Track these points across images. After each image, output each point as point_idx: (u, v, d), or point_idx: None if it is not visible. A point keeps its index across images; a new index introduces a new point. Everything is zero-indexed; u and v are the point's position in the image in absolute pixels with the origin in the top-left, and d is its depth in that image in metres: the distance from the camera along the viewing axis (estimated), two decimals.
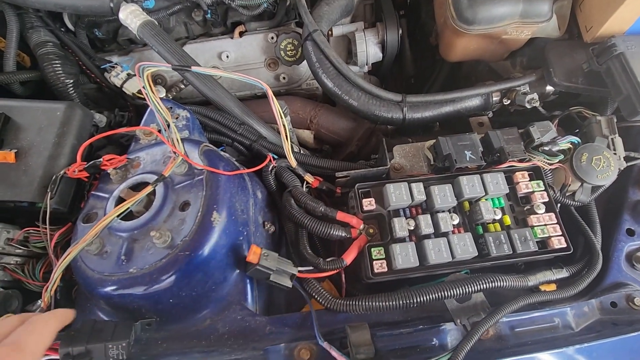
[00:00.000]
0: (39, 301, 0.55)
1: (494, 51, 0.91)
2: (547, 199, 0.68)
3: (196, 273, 0.57)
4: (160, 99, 0.67)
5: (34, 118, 0.69)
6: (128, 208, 0.56)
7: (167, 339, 0.58)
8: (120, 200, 0.60)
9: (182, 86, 1.04)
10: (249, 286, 0.63)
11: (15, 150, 0.65)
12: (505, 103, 0.87)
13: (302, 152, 0.93)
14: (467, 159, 0.70)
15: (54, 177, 0.63)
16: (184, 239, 0.56)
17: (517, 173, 0.70)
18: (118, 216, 0.57)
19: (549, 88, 0.86)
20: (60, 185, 0.64)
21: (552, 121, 0.76)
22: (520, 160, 0.71)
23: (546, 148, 0.72)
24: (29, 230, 0.62)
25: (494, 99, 0.88)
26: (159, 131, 0.71)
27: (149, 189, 0.58)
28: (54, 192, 0.62)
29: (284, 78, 1.05)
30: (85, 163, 0.66)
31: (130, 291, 0.55)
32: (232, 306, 0.61)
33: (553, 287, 0.66)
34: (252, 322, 0.58)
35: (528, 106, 0.82)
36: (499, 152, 0.72)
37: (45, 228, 0.61)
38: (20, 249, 0.61)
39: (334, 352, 0.53)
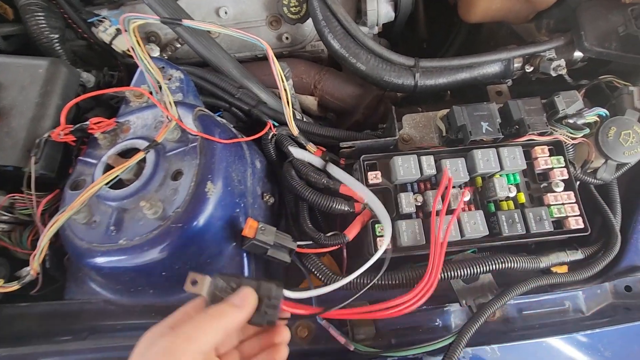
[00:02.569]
0: (28, 268, 0.53)
1: (519, 11, 0.82)
2: (567, 177, 0.63)
3: (189, 246, 0.54)
4: (152, 58, 0.61)
5: (15, 75, 0.63)
6: (117, 176, 0.52)
7: (160, 312, 0.56)
8: (108, 167, 0.56)
9: (178, 45, 0.96)
10: (245, 260, 0.60)
11: None
12: (527, 70, 0.80)
13: (304, 119, 0.87)
14: (484, 131, 0.64)
15: (37, 141, 0.59)
16: (176, 210, 0.53)
17: (536, 147, 0.65)
18: (107, 184, 0.53)
19: (577, 54, 0.79)
20: (45, 150, 0.60)
21: (578, 91, 0.70)
22: (541, 134, 0.65)
23: (570, 121, 0.66)
24: (14, 196, 0.58)
25: (515, 65, 0.80)
26: (151, 93, 0.65)
27: (140, 155, 0.54)
28: (38, 157, 0.58)
29: (286, 38, 0.97)
30: (72, 126, 0.61)
31: (121, 263, 0.52)
32: None
33: (564, 269, 0.63)
34: None
35: (553, 74, 0.75)
36: (519, 124, 0.66)
37: (31, 194, 0.57)
38: (5, 215, 0.58)
39: (333, 331, 0.51)
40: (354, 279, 0.54)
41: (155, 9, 0.72)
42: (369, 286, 0.54)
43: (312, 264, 0.60)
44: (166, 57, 0.95)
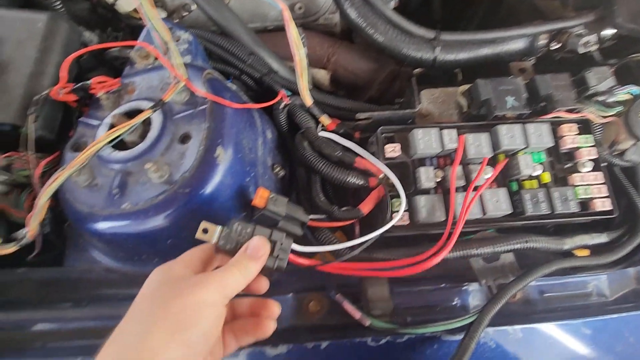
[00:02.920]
0: (25, 230, 0.50)
1: None
2: (594, 156, 0.60)
3: (197, 213, 0.50)
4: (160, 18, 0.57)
5: (11, 29, 0.59)
6: (121, 134, 0.49)
7: None
8: (112, 128, 0.53)
9: (185, 13, 0.91)
10: None
11: None
12: (553, 47, 0.76)
13: (316, 90, 0.83)
14: (509, 106, 0.61)
15: (35, 98, 0.55)
16: (183, 174, 0.49)
17: (563, 125, 0.62)
18: (110, 143, 0.50)
19: (607, 32, 0.74)
20: (45, 109, 0.57)
21: None
22: (569, 111, 0.62)
23: (601, 98, 0.62)
24: (11, 156, 0.55)
25: (541, 42, 0.76)
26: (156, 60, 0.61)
27: (146, 113, 0.50)
28: (37, 115, 0.54)
29: (300, 8, 0.92)
30: (73, 85, 0.57)
31: (124, 229, 0.50)
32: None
33: (586, 252, 0.60)
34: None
35: (581, 50, 0.71)
36: (546, 99, 0.63)
37: (29, 155, 0.54)
38: (3, 175, 0.55)
39: (347, 305, 0.48)
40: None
41: None
42: (370, 242, 0.52)
43: (325, 238, 0.57)
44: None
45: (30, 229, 0.47)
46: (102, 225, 0.50)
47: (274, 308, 0.44)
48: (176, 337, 0.34)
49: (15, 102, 0.55)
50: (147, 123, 0.55)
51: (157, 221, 0.49)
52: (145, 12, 0.56)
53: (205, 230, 0.43)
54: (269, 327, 0.43)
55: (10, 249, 0.48)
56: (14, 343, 0.47)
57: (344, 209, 0.60)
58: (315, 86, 0.93)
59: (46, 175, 0.57)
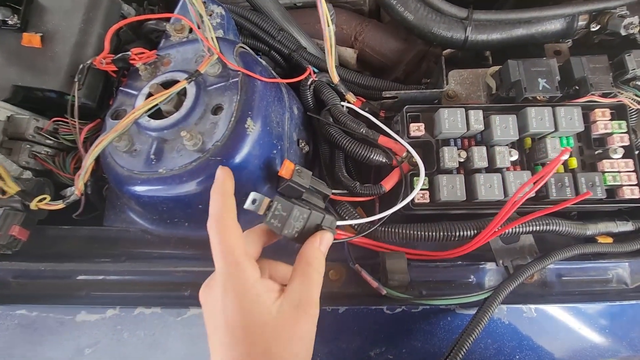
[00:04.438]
0: (72, 188, 0.54)
1: None
2: (627, 143, 0.59)
3: None
4: None
5: (58, 0, 0.62)
6: (158, 103, 0.52)
7: (193, 245, 0.57)
8: (149, 97, 0.56)
9: None
10: None
11: (41, 34, 0.60)
12: (592, 29, 0.73)
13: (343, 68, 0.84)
14: (540, 88, 0.60)
15: (81, 67, 0.58)
16: (215, 143, 0.52)
17: (596, 110, 0.60)
18: (148, 112, 0.53)
19: None
20: (88, 78, 0.60)
21: None
22: (604, 95, 0.60)
23: (639, 83, 0.60)
24: (58, 121, 0.59)
25: (580, 23, 0.73)
26: (191, 32, 0.63)
27: (182, 84, 0.53)
28: (81, 83, 0.58)
29: None
30: (113, 55, 0.60)
31: (159, 192, 0.53)
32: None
33: (609, 240, 0.60)
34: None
35: (623, 32, 0.68)
36: (580, 83, 0.61)
37: (75, 121, 0.58)
38: (50, 139, 0.59)
39: (365, 275, 0.50)
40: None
41: None
42: (389, 215, 0.54)
43: (346, 212, 0.59)
44: None
45: (77, 188, 0.51)
46: (140, 188, 0.54)
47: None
48: None
49: (62, 70, 0.59)
50: (182, 94, 0.58)
51: (190, 186, 0.52)
52: None
53: (254, 201, 0.42)
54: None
55: (58, 205, 0.53)
56: (62, 290, 0.52)
57: (366, 185, 0.61)
58: (342, 64, 0.93)
59: (88, 140, 0.61)
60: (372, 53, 0.89)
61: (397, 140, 0.60)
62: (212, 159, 0.52)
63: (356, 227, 0.58)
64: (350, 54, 0.90)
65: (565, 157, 0.51)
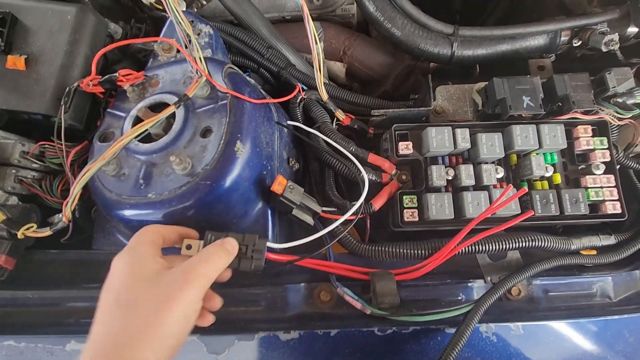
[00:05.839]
0: (60, 215, 0.54)
1: None
2: (608, 159, 0.60)
3: (217, 204, 0.54)
4: (182, 11, 0.59)
5: (43, 20, 0.62)
6: (148, 129, 0.51)
7: None
8: (138, 120, 0.56)
9: (204, 2, 0.93)
10: (270, 222, 0.60)
11: (25, 56, 0.59)
12: (575, 44, 0.75)
13: (332, 85, 0.84)
14: (524, 106, 0.61)
15: (67, 89, 0.58)
16: (205, 167, 0.52)
17: (579, 127, 0.62)
18: (136, 137, 0.52)
19: (632, 29, 0.73)
20: (74, 100, 0.59)
21: None
22: (586, 112, 0.62)
23: (620, 100, 0.62)
24: (44, 144, 0.59)
25: (562, 38, 0.75)
26: (179, 52, 0.63)
27: (171, 109, 0.53)
28: (67, 106, 0.58)
29: (317, 0, 0.92)
30: (100, 77, 0.60)
31: (149, 217, 0.53)
32: None
33: (593, 252, 0.61)
34: None
35: (604, 49, 0.70)
36: (563, 100, 0.62)
37: (61, 144, 0.57)
38: (36, 163, 0.58)
39: (348, 297, 0.51)
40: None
41: None
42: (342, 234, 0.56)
43: (335, 230, 0.59)
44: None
45: (65, 215, 0.50)
46: (129, 212, 0.53)
47: (218, 303, 0.46)
48: (163, 345, 0.36)
49: (47, 93, 0.59)
50: (170, 116, 0.58)
51: (181, 210, 0.52)
52: (169, 4, 0.58)
53: (188, 247, 0.47)
54: (209, 319, 0.45)
55: (46, 233, 0.52)
56: (50, 318, 0.51)
57: (355, 203, 0.62)
58: (331, 79, 0.94)
59: (76, 163, 0.60)
60: (361, 67, 0.90)
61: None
62: (202, 183, 0.52)
63: (346, 244, 0.58)
64: (339, 67, 0.91)
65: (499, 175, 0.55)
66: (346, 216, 0.55)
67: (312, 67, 0.82)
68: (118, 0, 0.86)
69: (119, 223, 0.57)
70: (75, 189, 0.48)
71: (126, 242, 0.60)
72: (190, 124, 0.55)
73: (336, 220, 0.59)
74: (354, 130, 0.71)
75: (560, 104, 0.63)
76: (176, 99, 0.56)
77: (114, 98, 0.63)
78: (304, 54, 0.88)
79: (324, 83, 0.68)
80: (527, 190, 0.55)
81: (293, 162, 0.68)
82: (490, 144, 0.59)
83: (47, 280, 0.57)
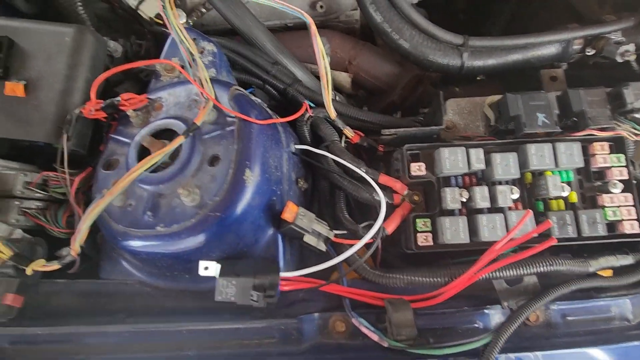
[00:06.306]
0: (68, 248, 0.52)
1: None
2: (626, 177, 0.59)
3: (227, 235, 0.52)
4: (185, 29, 0.57)
5: (40, 43, 0.60)
6: (156, 162, 0.50)
7: (196, 297, 0.56)
8: (142, 148, 0.54)
9: (204, 10, 0.90)
10: (281, 248, 0.58)
11: (24, 82, 0.57)
12: (588, 53, 0.73)
13: (338, 98, 0.82)
14: (539, 123, 0.60)
15: (68, 117, 0.56)
16: (214, 198, 0.51)
17: (595, 143, 0.60)
18: (146, 170, 0.51)
19: None
20: (76, 126, 0.58)
21: None
22: (602, 129, 0.60)
23: (637, 115, 0.60)
24: (47, 174, 0.57)
25: (575, 47, 0.73)
26: (182, 67, 0.61)
27: (179, 140, 0.51)
28: (70, 134, 0.56)
29: (321, 7, 0.90)
30: (102, 102, 0.58)
31: (157, 249, 0.52)
32: None
33: (609, 273, 0.60)
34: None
35: (619, 59, 0.68)
36: (578, 116, 0.61)
37: (64, 172, 0.56)
38: (40, 193, 0.57)
39: (365, 329, 0.50)
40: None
41: None
42: (362, 261, 0.55)
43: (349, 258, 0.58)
44: (191, 23, 0.89)
45: (73, 249, 0.49)
46: (137, 244, 0.52)
47: None
48: None
49: (48, 120, 0.57)
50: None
51: (190, 243, 0.51)
52: (172, 25, 0.56)
53: (206, 268, 0.49)
54: None
55: (54, 267, 0.51)
56: (61, 355, 0.50)
57: (365, 224, 0.61)
58: (336, 89, 0.91)
59: (80, 191, 0.59)
60: (367, 77, 0.88)
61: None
62: (211, 215, 0.50)
63: (360, 271, 0.57)
64: (344, 78, 0.89)
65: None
66: (362, 243, 0.54)
67: (318, 79, 0.80)
68: (114, 11, 0.83)
69: (126, 253, 0.56)
70: (83, 226, 0.46)
71: (134, 272, 0.59)
72: (198, 152, 0.54)
73: (349, 245, 0.58)
74: (363, 148, 0.69)
75: (575, 119, 0.61)
76: (182, 124, 0.55)
77: (116, 121, 0.62)
78: (308, 65, 0.86)
79: (332, 100, 0.66)
80: (550, 224, 0.54)
81: (302, 183, 0.66)
82: (505, 164, 0.58)
83: (55, 312, 0.56)
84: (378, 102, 0.90)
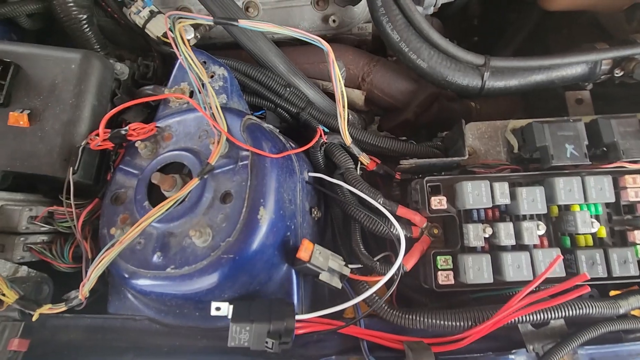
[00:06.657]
0: (76, 292, 0.50)
1: None
2: None
3: (240, 275, 0.50)
4: (193, 51, 0.54)
5: (45, 70, 0.57)
6: (169, 207, 0.47)
7: (206, 335, 0.54)
8: (151, 185, 0.52)
9: (212, 24, 0.87)
10: (295, 286, 0.56)
11: (29, 112, 0.55)
12: (616, 74, 0.69)
13: (350, 117, 0.79)
14: (568, 155, 0.56)
15: (75, 149, 0.54)
16: (227, 239, 0.48)
17: (626, 176, 0.57)
18: (159, 216, 0.48)
19: None
20: (83, 158, 0.55)
21: None
22: (633, 162, 0.57)
23: None
24: (55, 208, 0.55)
25: (603, 67, 0.70)
26: (192, 95, 0.59)
27: (194, 182, 0.49)
28: (76, 167, 0.54)
29: (334, 21, 0.86)
30: (109, 131, 0.56)
31: (167, 289, 0.50)
32: None
33: (637, 312, 0.58)
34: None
35: None
36: (609, 147, 0.58)
37: (70, 206, 0.54)
38: (45, 227, 0.55)
39: None
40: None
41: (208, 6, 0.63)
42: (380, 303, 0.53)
43: (363, 292, 0.56)
44: (199, 37, 0.86)
45: (81, 294, 0.47)
46: (146, 284, 0.50)
47: None
48: None
49: (54, 153, 0.55)
50: (185, 173, 0.54)
51: (201, 284, 0.49)
52: (183, 53, 0.54)
53: (217, 308, 0.47)
54: None
55: (60, 309, 0.49)
56: None
57: (380, 256, 0.58)
58: (349, 106, 0.88)
59: (87, 223, 0.57)
60: (381, 94, 0.85)
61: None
62: (224, 257, 0.48)
63: (378, 311, 0.55)
64: (357, 95, 0.86)
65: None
66: (381, 283, 0.51)
67: (331, 99, 0.77)
68: (120, 24, 0.80)
69: (135, 292, 0.54)
70: (93, 274, 0.45)
71: (142, 308, 0.57)
72: (209, 187, 0.51)
73: (367, 284, 0.55)
74: (379, 175, 0.67)
75: (605, 149, 0.58)
76: (193, 157, 0.53)
77: (124, 149, 0.59)
78: (320, 82, 0.83)
79: (348, 124, 0.63)
80: (587, 277, 0.51)
81: (315, 212, 0.64)
82: (532, 199, 0.55)
83: (61, 348, 0.54)
84: (392, 119, 0.87)
